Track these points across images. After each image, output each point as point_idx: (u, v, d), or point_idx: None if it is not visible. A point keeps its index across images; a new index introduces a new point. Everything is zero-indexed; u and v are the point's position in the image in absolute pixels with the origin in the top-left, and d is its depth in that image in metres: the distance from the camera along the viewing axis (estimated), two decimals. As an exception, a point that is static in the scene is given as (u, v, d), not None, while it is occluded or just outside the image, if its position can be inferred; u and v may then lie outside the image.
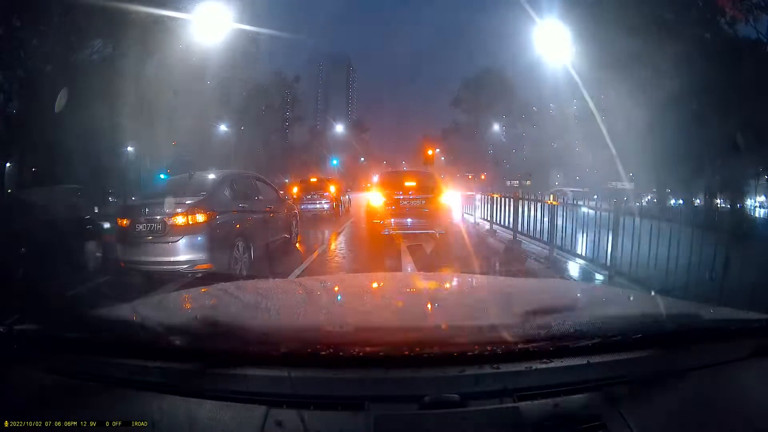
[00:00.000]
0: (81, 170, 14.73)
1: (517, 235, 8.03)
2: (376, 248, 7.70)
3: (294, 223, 8.12)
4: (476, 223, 11.40)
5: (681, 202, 20.29)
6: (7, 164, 16.00)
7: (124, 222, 5.30)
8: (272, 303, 1.53)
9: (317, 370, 0.93)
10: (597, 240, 5.35)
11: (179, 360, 0.97)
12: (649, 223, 4.58)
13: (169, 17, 15.00)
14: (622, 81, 15.45)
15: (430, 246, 7.82)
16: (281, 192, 8.00)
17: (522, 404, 0.87)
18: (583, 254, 5.69)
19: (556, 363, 0.95)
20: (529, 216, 7.83)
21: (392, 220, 8.08)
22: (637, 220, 4.75)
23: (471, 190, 14.39)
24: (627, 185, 20.00)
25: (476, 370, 0.92)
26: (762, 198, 21.73)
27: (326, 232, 10.84)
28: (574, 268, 5.78)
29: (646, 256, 4.42)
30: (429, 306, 1.54)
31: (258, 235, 6.10)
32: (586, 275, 5.36)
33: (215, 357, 0.95)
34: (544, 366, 0.94)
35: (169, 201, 5.27)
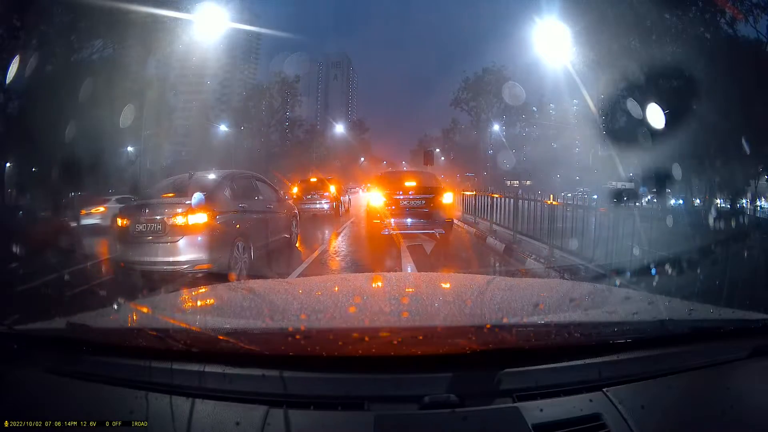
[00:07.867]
0: (81, 170, 14.75)
1: (517, 234, 8.04)
2: (376, 248, 7.69)
3: (294, 223, 8.11)
4: (476, 223, 11.40)
5: (681, 202, 20.27)
6: (7, 164, 16.00)
7: (124, 222, 5.29)
8: (272, 303, 1.53)
9: (317, 370, 0.93)
10: (596, 240, 5.36)
11: (179, 360, 0.97)
12: (649, 223, 4.59)
13: (169, 17, 15.02)
14: (622, 81, 15.46)
15: (430, 246, 7.81)
16: (281, 192, 8.00)
17: (522, 404, 0.87)
18: (583, 254, 5.69)
19: (556, 363, 0.95)
20: (528, 216, 7.84)
21: (392, 220, 8.08)
22: (638, 220, 4.76)
23: (471, 190, 14.39)
24: (627, 185, 20.00)
25: (476, 370, 0.91)
26: (763, 202, 21.59)
27: (326, 232, 10.84)
28: (573, 268, 5.78)
29: (646, 256, 4.43)
30: (428, 306, 1.54)
31: (258, 235, 6.09)
32: (586, 275, 5.36)
33: (215, 357, 0.95)
34: (543, 366, 0.94)
35: (169, 201, 5.26)
